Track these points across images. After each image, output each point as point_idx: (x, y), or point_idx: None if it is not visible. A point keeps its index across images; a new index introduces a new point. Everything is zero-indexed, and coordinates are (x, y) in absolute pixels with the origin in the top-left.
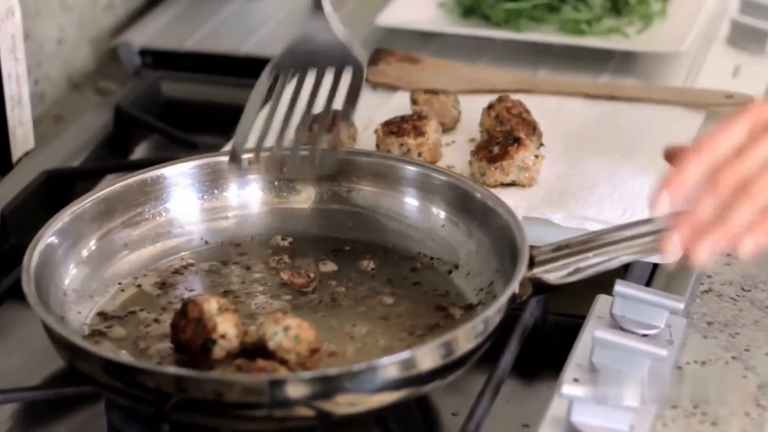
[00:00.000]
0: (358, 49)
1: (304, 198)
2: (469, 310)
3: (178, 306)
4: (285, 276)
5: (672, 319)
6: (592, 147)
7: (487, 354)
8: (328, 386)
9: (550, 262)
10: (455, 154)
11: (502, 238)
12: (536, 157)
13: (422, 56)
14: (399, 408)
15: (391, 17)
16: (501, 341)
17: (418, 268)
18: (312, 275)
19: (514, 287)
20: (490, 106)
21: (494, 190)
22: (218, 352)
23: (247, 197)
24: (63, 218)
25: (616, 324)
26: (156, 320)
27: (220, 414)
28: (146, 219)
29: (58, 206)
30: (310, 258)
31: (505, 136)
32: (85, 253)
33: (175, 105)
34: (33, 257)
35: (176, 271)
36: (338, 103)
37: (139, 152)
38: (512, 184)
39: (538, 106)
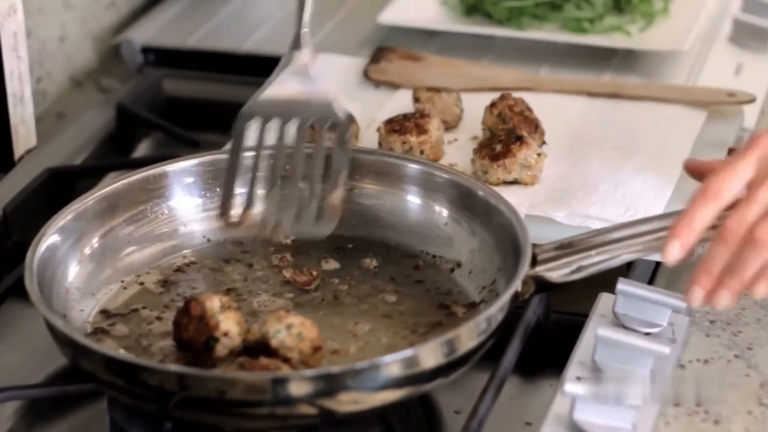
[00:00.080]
0: (341, 101)
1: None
2: (472, 308)
3: (181, 304)
4: (287, 274)
5: (674, 318)
6: (595, 145)
7: (490, 352)
8: (331, 384)
9: (552, 260)
10: (457, 152)
11: (504, 236)
12: (538, 155)
13: (424, 54)
14: (401, 406)
15: (394, 15)
16: (503, 339)
17: (420, 266)
18: (314, 273)
19: (517, 285)
20: (493, 104)
21: (497, 188)
22: (221, 350)
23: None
24: (65, 216)
25: (618, 322)
26: (158, 318)
27: (223, 412)
28: (148, 217)
29: (61, 204)
30: (313, 256)
31: (507, 135)
32: (87, 250)
33: (177, 103)
34: (35, 255)
35: (179, 269)
36: (329, 160)
37: (141, 150)
38: (514, 182)
39: (540, 104)
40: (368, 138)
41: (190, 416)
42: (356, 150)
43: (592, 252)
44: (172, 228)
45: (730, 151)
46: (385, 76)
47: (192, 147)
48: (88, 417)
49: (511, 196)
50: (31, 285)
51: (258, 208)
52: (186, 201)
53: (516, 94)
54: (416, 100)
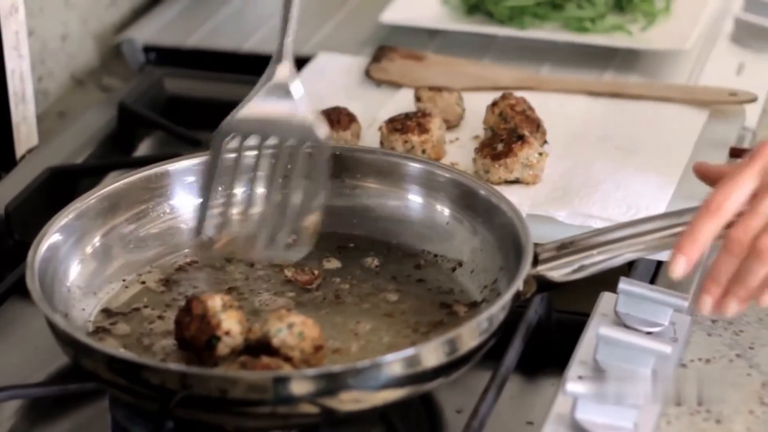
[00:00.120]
0: (321, 120)
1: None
2: (474, 307)
3: (183, 303)
4: (289, 273)
5: (676, 317)
6: (596, 144)
7: (491, 351)
8: (332, 383)
9: (554, 259)
10: (459, 152)
11: (506, 236)
12: (540, 154)
13: (426, 53)
14: (403, 405)
15: (395, 14)
16: (505, 339)
17: (422, 265)
18: (316, 272)
19: (519, 284)
20: (494, 104)
21: (498, 188)
22: (222, 349)
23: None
24: (67, 215)
25: (620, 321)
26: (160, 317)
27: (224, 411)
28: (150, 216)
29: (62, 203)
30: (314, 255)
31: (509, 134)
32: (89, 249)
33: (179, 102)
34: (37, 254)
35: (180, 268)
36: (305, 183)
37: (143, 149)
38: (516, 181)
39: (541, 104)
40: (370, 137)
41: (192, 415)
42: (358, 149)
43: (594, 251)
44: (174, 227)
45: (732, 149)
46: (386, 75)
47: (193, 146)
48: (90, 416)
49: (513, 195)
50: (32, 284)
51: (232, 229)
52: (187, 200)
53: (517, 94)
54: (418, 99)
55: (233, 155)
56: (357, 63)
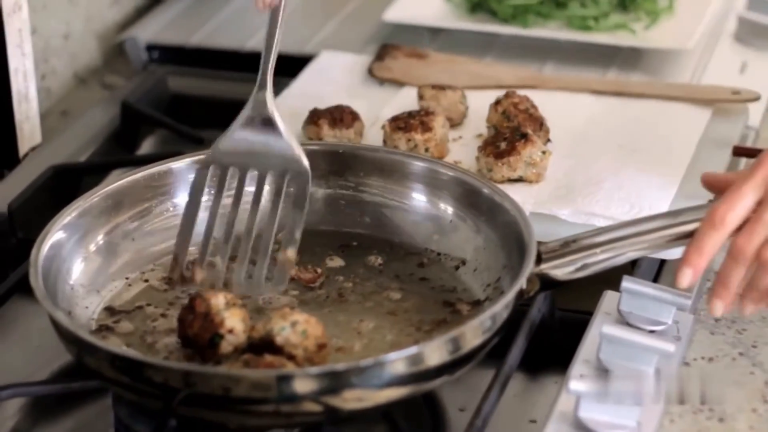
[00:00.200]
0: (302, 152)
1: (311, 194)
2: (477, 305)
3: (186, 301)
4: (292, 271)
5: (679, 316)
6: (599, 143)
7: (495, 350)
8: (336, 382)
9: (557, 258)
10: (462, 150)
11: (509, 234)
12: (543, 152)
13: (429, 52)
14: (406, 403)
15: (398, 13)
16: (508, 337)
17: (425, 263)
18: (319, 270)
19: (522, 283)
20: (497, 102)
21: (501, 186)
22: (225, 347)
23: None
24: (70, 213)
25: (623, 320)
26: (163, 315)
27: (228, 409)
28: (153, 214)
29: (65, 201)
30: (318, 253)
31: (512, 132)
32: (92, 247)
33: (182, 100)
34: (40, 252)
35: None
36: (284, 211)
37: (146, 147)
38: (519, 179)
39: (545, 102)
40: (373, 135)
41: (195, 413)
42: (361, 147)
43: (597, 250)
44: (177, 225)
45: (735, 148)
46: (389, 73)
47: (196, 144)
48: (93, 414)
49: (516, 193)
50: (35, 282)
51: (210, 263)
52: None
53: (521, 92)
54: (421, 97)
55: (213, 189)
56: (360, 61)
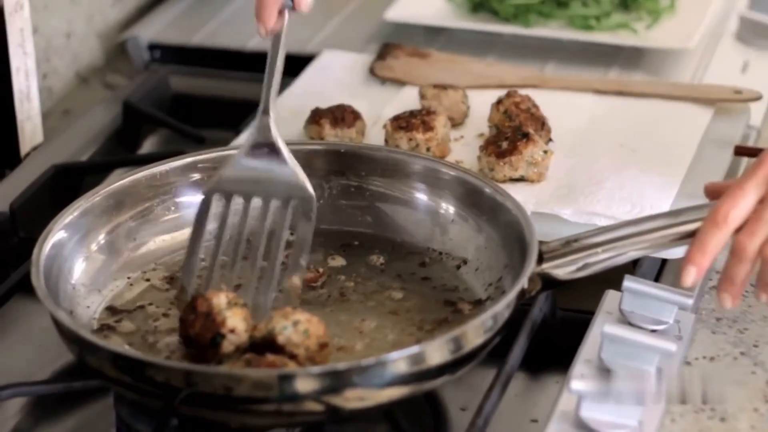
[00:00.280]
0: (305, 178)
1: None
2: (478, 305)
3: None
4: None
5: (681, 315)
6: (601, 142)
7: (496, 349)
8: (337, 381)
9: (558, 257)
10: (464, 149)
11: (511, 234)
12: (545, 152)
13: (431, 51)
14: (408, 403)
15: (400, 12)
16: (510, 336)
17: (427, 263)
18: (321, 270)
19: (523, 282)
20: (499, 102)
21: (503, 186)
22: (227, 346)
23: None
24: (72, 212)
25: (624, 319)
26: (165, 314)
27: (229, 408)
28: (155, 213)
29: (67, 200)
30: (319, 253)
31: (513, 132)
32: (94, 247)
33: (184, 99)
34: (42, 251)
35: None
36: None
37: (148, 147)
38: (521, 179)
39: (546, 102)
40: (374, 135)
41: (197, 413)
42: (363, 147)
43: (599, 249)
44: (179, 224)
45: (737, 147)
46: (391, 73)
47: (198, 144)
48: (95, 413)
49: (518, 193)
50: (37, 281)
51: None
52: (192, 197)
53: (522, 91)
54: (422, 97)
55: (218, 216)
56: (361, 60)
